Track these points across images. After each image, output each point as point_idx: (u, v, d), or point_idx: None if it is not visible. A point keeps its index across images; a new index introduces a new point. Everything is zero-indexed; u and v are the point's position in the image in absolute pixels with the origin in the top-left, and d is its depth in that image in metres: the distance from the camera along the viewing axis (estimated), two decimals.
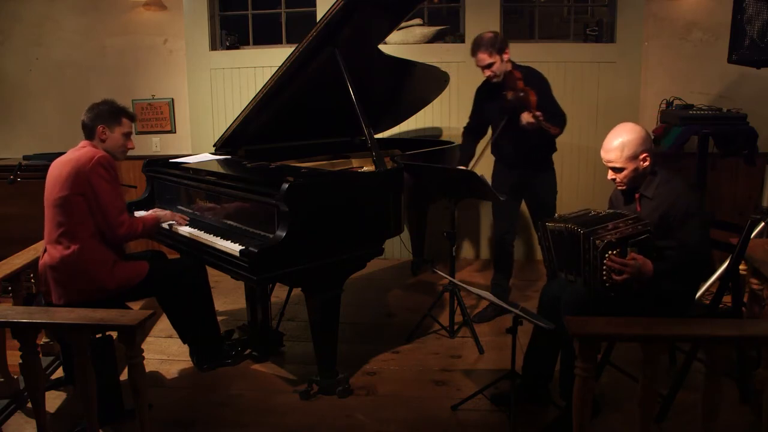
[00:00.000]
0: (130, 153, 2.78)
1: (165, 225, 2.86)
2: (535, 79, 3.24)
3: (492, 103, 3.35)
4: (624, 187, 2.43)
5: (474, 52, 3.23)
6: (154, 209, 3.04)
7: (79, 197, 2.47)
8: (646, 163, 2.34)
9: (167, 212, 2.93)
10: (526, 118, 3.10)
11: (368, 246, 2.72)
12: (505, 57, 3.23)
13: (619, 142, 2.32)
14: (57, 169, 2.54)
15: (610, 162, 2.36)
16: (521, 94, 3.12)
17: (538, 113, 3.05)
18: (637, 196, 2.41)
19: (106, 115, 2.61)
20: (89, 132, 2.62)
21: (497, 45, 3.18)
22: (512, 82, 3.17)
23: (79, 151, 2.56)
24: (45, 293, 2.57)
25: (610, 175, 2.41)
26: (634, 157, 2.31)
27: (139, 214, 3.00)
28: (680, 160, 4.17)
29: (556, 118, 3.18)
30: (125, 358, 2.11)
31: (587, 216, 2.38)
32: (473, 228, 4.80)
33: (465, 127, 3.62)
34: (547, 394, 2.59)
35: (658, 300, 2.30)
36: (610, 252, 2.18)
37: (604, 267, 2.19)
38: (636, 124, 2.39)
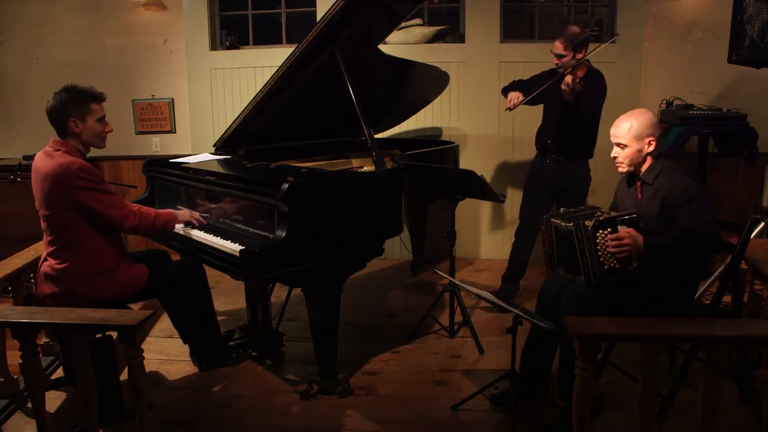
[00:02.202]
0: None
1: (179, 228, 2.78)
2: (594, 78, 3.40)
3: (552, 87, 3.45)
4: (624, 168, 2.46)
5: (555, 38, 3.37)
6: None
7: (70, 214, 2.40)
8: (651, 147, 2.39)
9: (185, 211, 2.81)
10: (567, 79, 3.20)
11: (368, 246, 2.72)
12: (578, 56, 3.34)
13: (629, 121, 2.41)
14: (38, 182, 2.43)
15: (616, 137, 2.43)
16: (574, 66, 3.29)
17: (579, 82, 3.19)
18: (638, 183, 2.45)
19: (73, 106, 2.41)
20: (60, 128, 2.43)
21: (575, 43, 3.32)
22: (576, 66, 3.31)
23: (54, 158, 2.39)
24: (42, 298, 2.53)
25: (614, 152, 2.46)
26: (639, 137, 2.38)
27: None
28: (680, 160, 4.15)
29: (587, 112, 3.33)
30: (125, 358, 2.10)
31: (593, 212, 2.41)
32: (473, 228, 4.80)
33: (515, 80, 3.70)
34: (546, 391, 2.60)
35: (660, 291, 2.32)
36: (601, 232, 2.22)
37: (599, 247, 2.22)
38: (649, 111, 2.45)
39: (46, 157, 2.43)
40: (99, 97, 2.49)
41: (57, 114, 2.42)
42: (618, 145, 2.43)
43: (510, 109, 3.48)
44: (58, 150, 2.43)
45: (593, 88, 3.33)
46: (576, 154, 3.52)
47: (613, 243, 2.21)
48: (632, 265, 2.25)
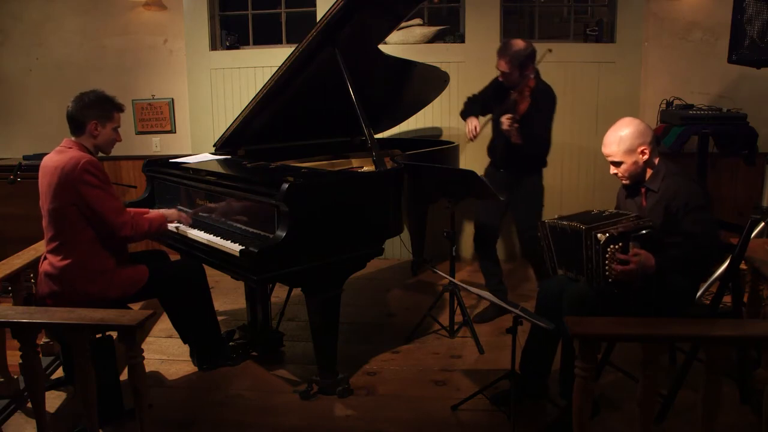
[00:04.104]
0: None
1: (172, 227, 2.81)
2: (540, 95, 3.27)
3: (499, 96, 3.39)
4: (627, 182, 2.45)
5: (498, 54, 3.26)
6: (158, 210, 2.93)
7: (72, 207, 2.43)
8: (646, 156, 2.36)
9: (172, 211, 2.86)
10: (504, 121, 3.17)
11: (368, 246, 2.72)
12: (526, 72, 3.23)
13: (617, 136, 2.36)
14: (46, 177, 2.47)
15: (609, 156, 2.40)
16: (516, 98, 3.20)
17: (515, 125, 3.13)
18: (643, 190, 2.43)
19: (98, 110, 2.52)
20: (79, 126, 2.52)
21: (520, 60, 3.20)
22: (522, 87, 3.22)
23: (65, 153, 2.47)
24: (42, 297, 2.53)
25: (612, 169, 2.44)
26: (631, 151, 2.35)
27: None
28: (680, 160, 4.17)
29: (531, 137, 3.22)
30: (125, 358, 2.11)
31: (589, 214, 2.40)
32: (473, 228, 4.79)
33: (469, 97, 3.60)
34: (545, 390, 2.60)
35: (661, 295, 2.31)
36: (611, 246, 2.19)
37: (606, 262, 2.20)
38: (636, 118, 2.42)
39: (57, 155, 2.50)
40: (121, 109, 2.63)
41: (80, 114, 2.51)
42: (613, 163, 2.41)
43: (472, 139, 3.43)
44: (71, 147, 2.51)
45: (538, 110, 3.24)
46: (526, 169, 3.44)
47: (621, 267, 2.18)
48: (636, 284, 2.22)
